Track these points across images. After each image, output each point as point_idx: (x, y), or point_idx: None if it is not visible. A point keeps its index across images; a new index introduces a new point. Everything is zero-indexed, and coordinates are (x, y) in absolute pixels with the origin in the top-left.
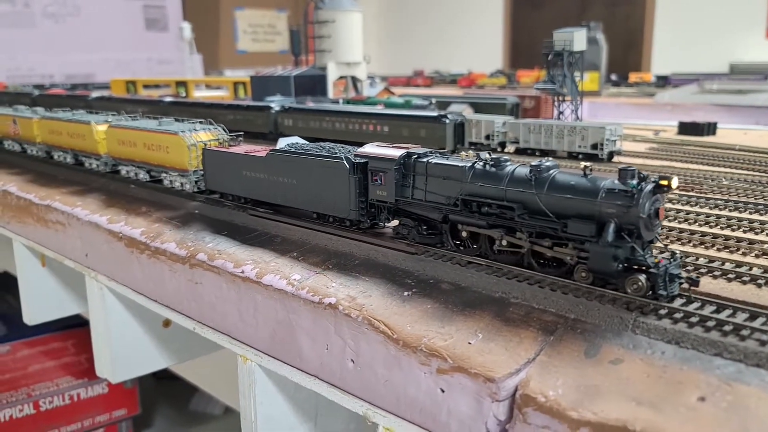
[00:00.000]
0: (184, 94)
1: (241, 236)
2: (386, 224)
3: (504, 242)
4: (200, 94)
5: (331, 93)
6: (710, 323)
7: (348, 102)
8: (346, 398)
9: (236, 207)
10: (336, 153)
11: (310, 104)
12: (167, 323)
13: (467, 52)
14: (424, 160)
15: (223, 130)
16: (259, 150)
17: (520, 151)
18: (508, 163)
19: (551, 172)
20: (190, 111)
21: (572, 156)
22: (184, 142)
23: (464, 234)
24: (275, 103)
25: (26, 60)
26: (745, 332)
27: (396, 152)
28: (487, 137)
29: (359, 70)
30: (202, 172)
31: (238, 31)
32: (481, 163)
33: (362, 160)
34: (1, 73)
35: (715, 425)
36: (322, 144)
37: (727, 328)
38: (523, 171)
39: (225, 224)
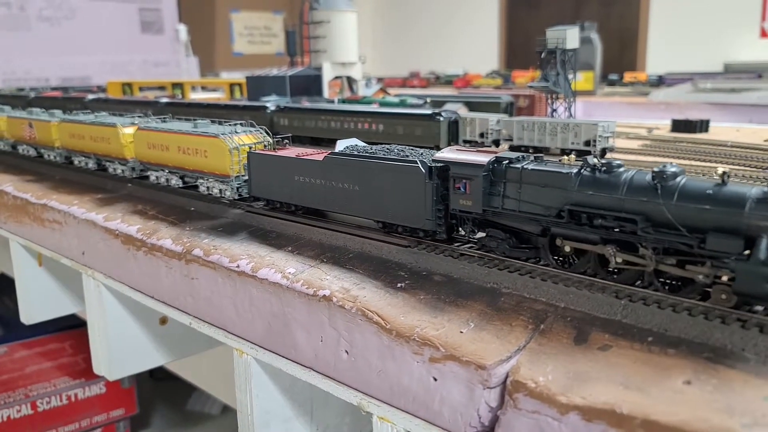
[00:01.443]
0: (180, 96)
1: (236, 232)
2: (471, 236)
3: (619, 259)
4: (196, 96)
5: (326, 93)
6: (696, 310)
7: (343, 101)
8: (340, 389)
9: (231, 204)
10: (408, 156)
11: (306, 103)
12: (164, 320)
13: (463, 53)
14: (518, 165)
15: (266, 132)
16: (313, 153)
17: (513, 149)
18: (622, 169)
19: (679, 178)
20: (187, 112)
21: (565, 153)
22: (226, 146)
23: (567, 249)
24: (271, 102)
25: (22, 63)
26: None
27: (483, 157)
28: (482, 135)
29: (354, 70)
30: (244, 178)
31: (233, 33)
32: (590, 169)
33: (441, 165)
34: None
35: (701, 407)
36: (388, 146)
37: (711, 315)
38: (644, 177)
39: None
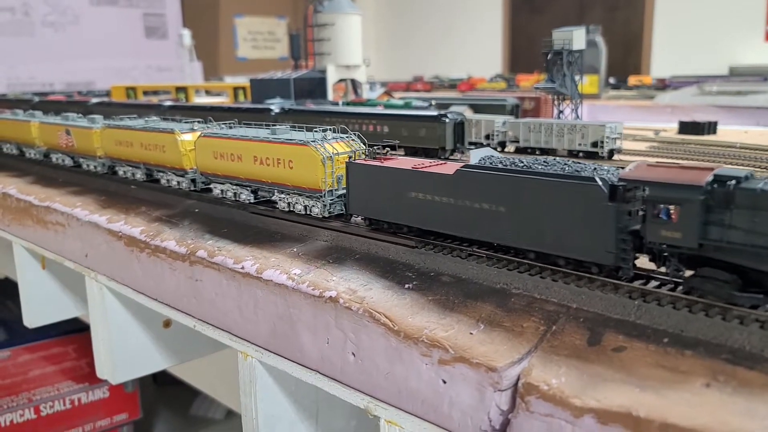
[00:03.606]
0: (184, 100)
1: (240, 233)
2: (675, 275)
3: None
4: (200, 101)
5: (331, 96)
6: (713, 311)
7: (348, 104)
8: (347, 392)
9: (236, 205)
10: (578, 172)
11: (310, 106)
12: (167, 323)
13: (467, 56)
14: (753, 187)
15: (361, 140)
16: (432, 164)
17: (520, 151)
18: None
19: None
20: (190, 114)
21: (572, 154)
22: (317, 155)
23: None
24: (275, 105)
25: (26, 69)
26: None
27: (696, 176)
28: (487, 137)
29: (359, 73)
30: (338, 193)
31: (237, 38)
32: None
33: (630, 184)
34: (1, 82)
35: (721, 410)
36: (545, 159)
37: (729, 315)
38: None
39: (225, 222)
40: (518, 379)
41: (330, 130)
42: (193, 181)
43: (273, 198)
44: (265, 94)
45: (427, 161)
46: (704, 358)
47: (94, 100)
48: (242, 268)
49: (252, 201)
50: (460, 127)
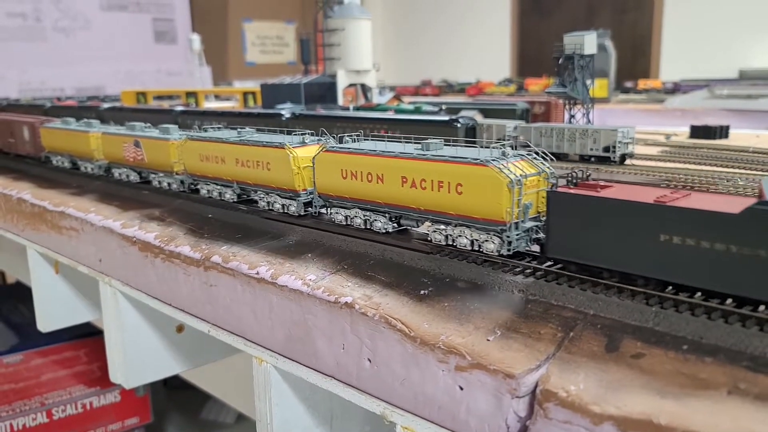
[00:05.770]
0: (194, 105)
1: (254, 238)
2: None
3: None
4: (210, 105)
5: (341, 100)
6: (733, 318)
7: (358, 109)
8: (363, 398)
9: (250, 211)
10: None
11: (321, 111)
12: (180, 328)
13: (475, 61)
14: None
15: (542, 157)
16: (683, 195)
17: None
18: None
19: None
20: (201, 119)
21: (584, 159)
22: (502, 178)
23: None
24: (286, 110)
25: (38, 74)
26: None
27: None
28: (498, 141)
29: (369, 77)
30: (526, 226)
31: (246, 42)
32: None
33: None
34: (13, 87)
35: (743, 417)
36: None
37: (749, 322)
38: None
39: (239, 227)
40: (536, 385)
41: (509, 146)
42: (307, 204)
43: (423, 230)
44: (275, 99)
45: (669, 191)
46: (725, 365)
47: (105, 105)
48: (257, 273)
49: (390, 230)
50: (471, 131)
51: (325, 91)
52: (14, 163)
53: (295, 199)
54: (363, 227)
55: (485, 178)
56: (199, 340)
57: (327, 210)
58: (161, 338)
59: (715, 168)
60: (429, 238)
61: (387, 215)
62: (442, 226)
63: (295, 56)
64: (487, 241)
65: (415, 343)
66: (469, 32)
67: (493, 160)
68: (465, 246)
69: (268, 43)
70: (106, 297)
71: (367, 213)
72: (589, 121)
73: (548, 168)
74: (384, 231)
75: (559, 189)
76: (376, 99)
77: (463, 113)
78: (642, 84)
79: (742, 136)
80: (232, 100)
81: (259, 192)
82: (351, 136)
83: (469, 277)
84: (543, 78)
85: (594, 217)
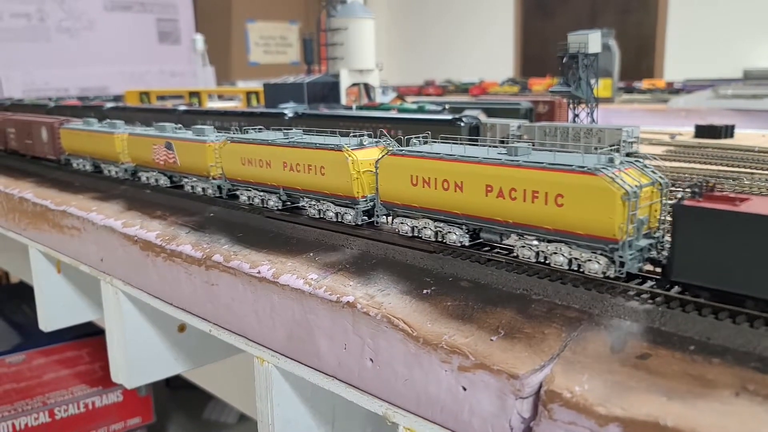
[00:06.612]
0: (197, 105)
1: (256, 238)
2: None
3: None
4: (213, 105)
5: (344, 100)
6: (740, 318)
7: (361, 108)
8: (364, 398)
9: (252, 209)
10: None
11: (324, 110)
12: (182, 328)
13: (478, 61)
14: None
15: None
16: None
17: None
18: None
19: None
20: (203, 119)
21: None
22: (615, 190)
23: None
24: (289, 109)
25: (42, 74)
26: None
27: None
28: (502, 141)
29: (372, 77)
30: (640, 244)
31: (249, 43)
32: None
33: None
34: (17, 88)
35: (751, 419)
36: None
37: (757, 323)
38: None
39: (240, 226)
40: (540, 386)
41: (616, 149)
42: (367, 213)
43: (509, 243)
44: (278, 99)
45: None
46: (732, 366)
47: (109, 105)
48: (258, 272)
49: (466, 244)
50: (475, 130)
51: (328, 91)
52: (32, 165)
53: (352, 207)
54: (433, 239)
55: (594, 189)
56: (201, 340)
57: (390, 220)
58: (163, 338)
59: (721, 167)
60: (515, 254)
61: (464, 227)
62: (535, 242)
63: (298, 56)
64: (590, 260)
65: (418, 343)
66: (473, 32)
67: (603, 168)
68: (561, 265)
69: (272, 44)
70: (108, 296)
71: (440, 224)
72: (593, 121)
73: (661, 177)
74: (459, 244)
75: (687, 202)
76: (379, 98)
77: (466, 112)
78: (646, 84)
79: (747, 135)
80: (235, 100)
81: (309, 199)
82: (419, 138)
83: (472, 277)
84: (546, 78)
85: (736, 236)
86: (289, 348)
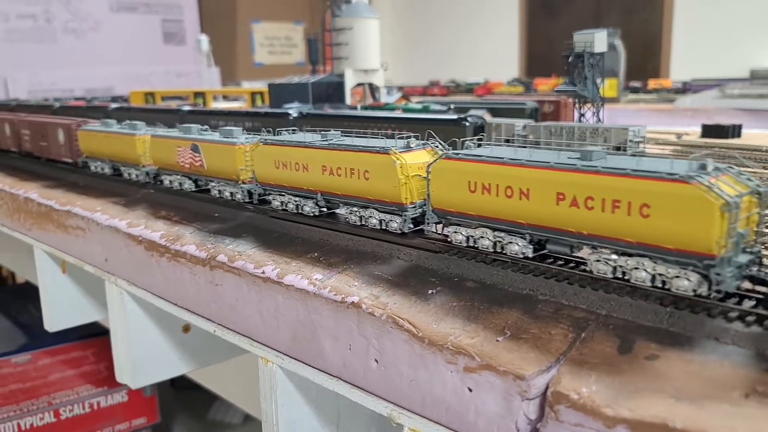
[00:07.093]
0: (202, 105)
1: (261, 238)
2: None
3: None
4: (218, 105)
5: (348, 100)
6: (750, 318)
7: (366, 108)
8: (369, 399)
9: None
10: None
11: (329, 110)
12: (187, 328)
13: (483, 61)
14: None
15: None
16: None
17: None
18: None
19: None
20: (207, 118)
21: None
22: (712, 200)
23: None
24: (293, 109)
25: (48, 75)
26: None
27: None
28: (507, 141)
29: (377, 77)
30: (739, 261)
31: (254, 43)
32: None
33: None
34: (22, 89)
35: (761, 421)
36: None
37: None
38: None
39: (246, 227)
40: (547, 387)
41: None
42: (415, 220)
43: (580, 255)
44: (283, 99)
45: None
46: (742, 367)
47: (114, 105)
48: (263, 272)
49: (530, 255)
50: (480, 130)
51: (333, 91)
52: (47, 168)
53: (400, 214)
54: (491, 250)
55: (687, 199)
56: (205, 340)
57: (442, 228)
58: (167, 338)
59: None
60: (589, 269)
61: (527, 237)
62: (613, 256)
63: (303, 57)
64: (678, 277)
65: (423, 344)
66: (478, 32)
67: (696, 175)
68: (643, 281)
69: (277, 44)
70: (112, 296)
71: (499, 234)
72: (599, 120)
73: (758, 185)
74: (522, 256)
75: None
76: (384, 98)
77: (471, 112)
78: (652, 84)
79: (754, 135)
80: (240, 101)
81: (351, 205)
82: (472, 140)
83: (478, 277)
84: (552, 78)
85: None
86: (293, 348)
